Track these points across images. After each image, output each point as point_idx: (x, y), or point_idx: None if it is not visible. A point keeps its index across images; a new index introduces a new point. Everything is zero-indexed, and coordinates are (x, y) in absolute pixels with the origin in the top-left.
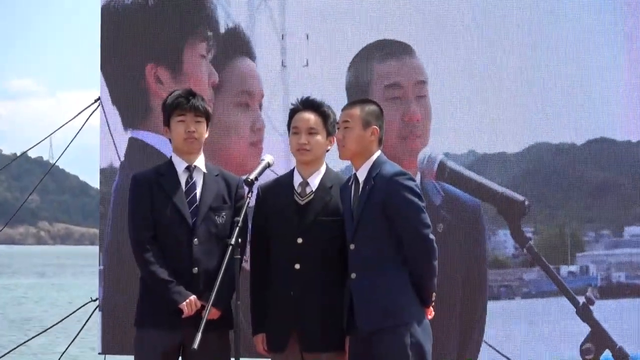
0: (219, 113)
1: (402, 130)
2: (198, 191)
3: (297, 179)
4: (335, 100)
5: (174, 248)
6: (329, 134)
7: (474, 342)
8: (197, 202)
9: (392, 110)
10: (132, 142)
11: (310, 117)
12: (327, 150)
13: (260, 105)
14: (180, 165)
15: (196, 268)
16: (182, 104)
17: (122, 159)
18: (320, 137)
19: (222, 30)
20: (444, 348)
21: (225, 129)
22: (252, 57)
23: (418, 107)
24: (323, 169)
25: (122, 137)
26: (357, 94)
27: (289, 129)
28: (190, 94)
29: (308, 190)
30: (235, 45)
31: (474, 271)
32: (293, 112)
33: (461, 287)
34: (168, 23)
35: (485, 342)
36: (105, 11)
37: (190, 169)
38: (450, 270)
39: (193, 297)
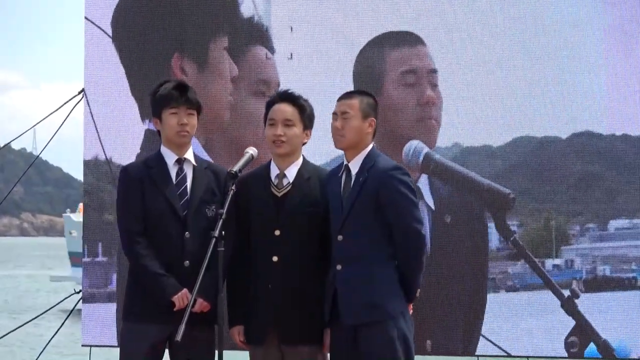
0: (235, 102)
1: (418, 113)
2: (188, 184)
3: (274, 171)
4: (319, 92)
5: (165, 241)
6: (306, 126)
7: (476, 336)
8: (188, 195)
9: (408, 95)
10: (148, 133)
11: (286, 108)
12: (304, 143)
13: None
14: (170, 157)
15: (187, 261)
16: (176, 97)
17: (139, 150)
18: (296, 129)
19: (240, 19)
20: (449, 341)
21: (242, 118)
22: (268, 46)
23: (432, 92)
24: (300, 161)
25: (108, 129)
26: (369, 81)
27: (265, 121)
28: (183, 87)
29: (285, 182)
30: (251, 34)
31: (478, 264)
32: (270, 104)
33: (467, 279)
34: (194, 13)
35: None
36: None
37: (180, 162)
38: (455, 262)
39: (185, 290)
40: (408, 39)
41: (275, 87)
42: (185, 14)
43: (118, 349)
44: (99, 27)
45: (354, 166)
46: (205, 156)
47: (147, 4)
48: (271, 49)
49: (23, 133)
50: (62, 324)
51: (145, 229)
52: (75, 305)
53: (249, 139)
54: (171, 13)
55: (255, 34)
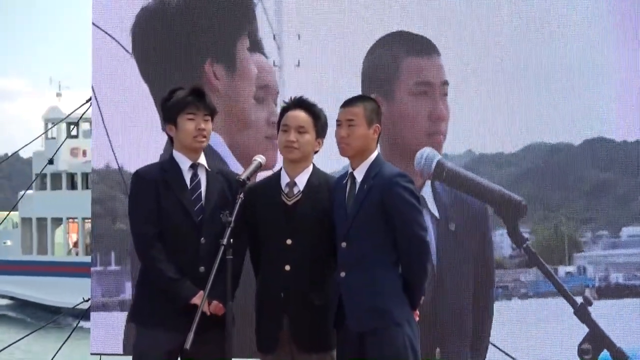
0: (237, 106)
1: (428, 127)
2: (203, 190)
3: (285, 179)
4: (327, 100)
5: (180, 247)
6: (318, 135)
7: (485, 343)
8: (203, 201)
9: (420, 106)
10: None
11: (300, 115)
12: (316, 152)
13: (276, 102)
14: (184, 163)
15: (202, 267)
16: (194, 103)
17: (162, 152)
18: (309, 136)
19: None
20: (458, 348)
21: (243, 122)
22: (265, 54)
23: (443, 106)
24: (310, 169)
25: (116, 136)
26: (378, 82)
27: (278, 128)
28: (200, 92)
29: (296, 190)
30: (261, 41)
31: (483, 271)
32: (284, 111)
33: (473, 286)
34: (219, 20)
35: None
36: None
37: (194, 167)
38: (461, 270)
39: (202, 291)
40: (424, 48)
41: (273, 93)
42: (208, 20)
43: (127, 357)
44: (107, 33)
45: (359, 174)
46: (229, 156)
47: (170, 13)
48: (278, 57)
49: (32, 141)
50: (72, 331)
51: (159, 233)
52: (83, 314)
53: (248, 145)
54: (193, 21)
55: (265, 41)
